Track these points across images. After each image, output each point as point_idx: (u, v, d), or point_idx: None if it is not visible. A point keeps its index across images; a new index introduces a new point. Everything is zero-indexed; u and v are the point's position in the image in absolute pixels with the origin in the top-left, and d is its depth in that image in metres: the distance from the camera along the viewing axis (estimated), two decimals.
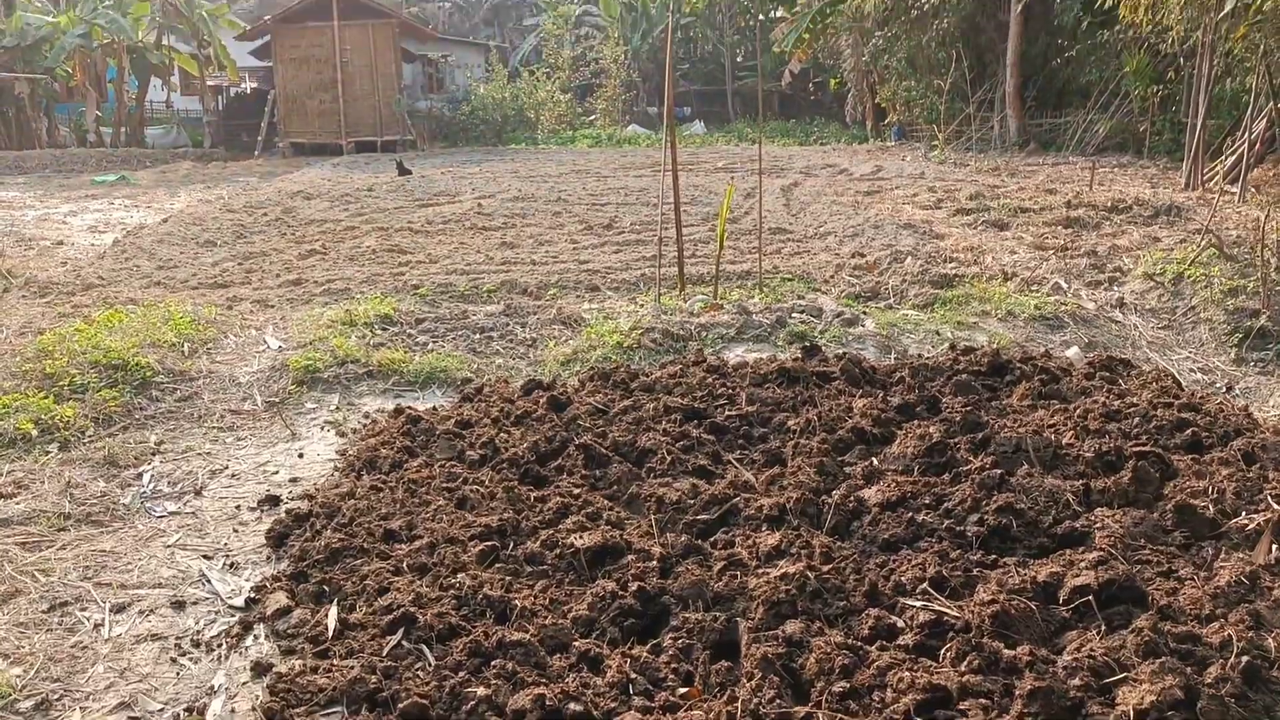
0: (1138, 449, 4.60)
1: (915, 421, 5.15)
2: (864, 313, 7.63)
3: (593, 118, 45.10)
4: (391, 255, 10.70)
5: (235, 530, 4.44)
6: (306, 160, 29.30)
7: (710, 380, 5.83)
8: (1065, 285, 8.43)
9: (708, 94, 54.53)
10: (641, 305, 7.99)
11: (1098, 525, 3.93)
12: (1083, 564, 3.48)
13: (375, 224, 12.91)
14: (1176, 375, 6.35)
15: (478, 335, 7.22)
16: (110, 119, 34.92)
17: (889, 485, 4.29)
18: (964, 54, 29.72)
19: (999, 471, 4.30)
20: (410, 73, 38.27)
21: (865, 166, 20.66)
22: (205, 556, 4.19)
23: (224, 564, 4.12)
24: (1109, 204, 12.89)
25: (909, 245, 10.26)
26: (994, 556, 3.75)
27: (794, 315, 7.43)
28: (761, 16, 53.90)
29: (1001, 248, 10.33)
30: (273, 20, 32.18)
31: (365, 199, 15.62)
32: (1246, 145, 15.50)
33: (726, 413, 5.38)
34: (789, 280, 8.78)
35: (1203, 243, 8.61)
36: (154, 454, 5.29)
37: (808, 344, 6.53)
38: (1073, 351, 6.75)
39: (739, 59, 51.53)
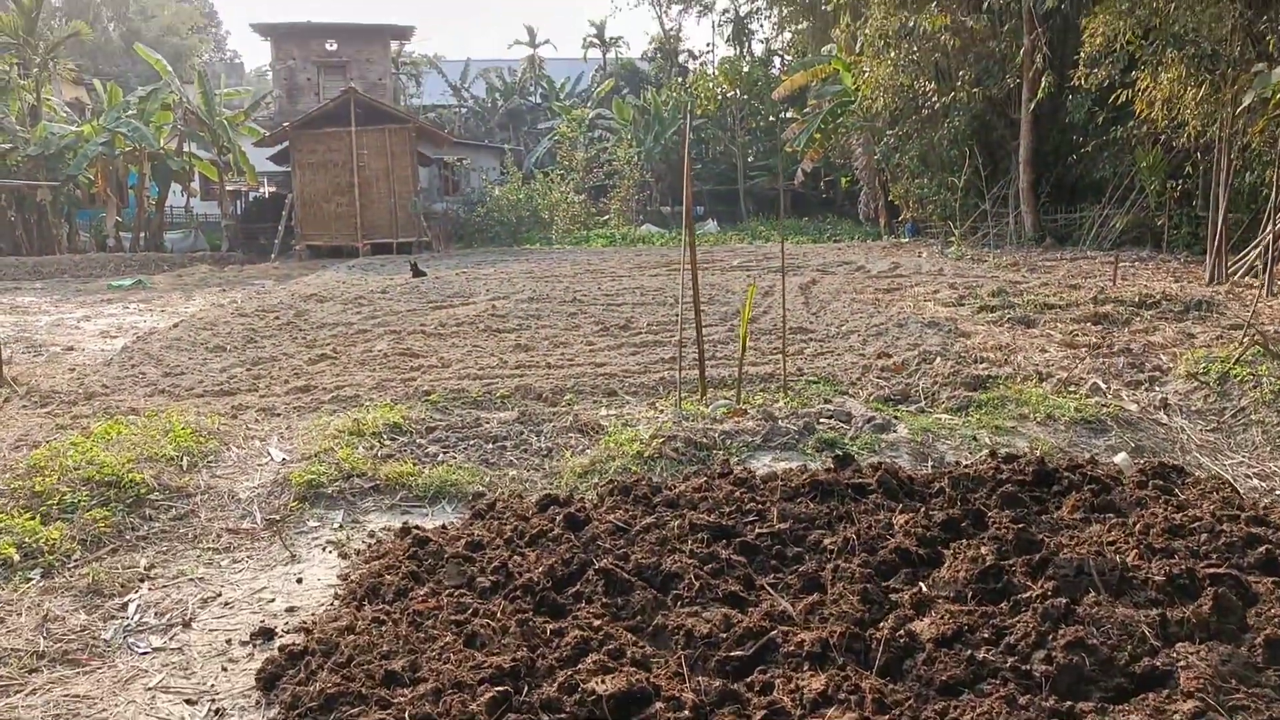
0: (1211, 570, 4.20)
1: (963, 540, 4.75)
2: (895, 417, 7.27)
3: (606, 218, 45.49)
4: (403, 359, 10.44)
5: (224, 669, 4.05)
6: (322, 263, 29.43)
7: (738, 494, 5.46)
8: (1104, 386, 8.08)
9: (720, 194, 55.08)
10: (661, 411, 7.66)
11: (1180, 663, 3.51)
12: (1176, 715, 3.07)
13: (388, 327, 12.70)
14: (1233, 483, 5.95)
15: (491, 445, 6.88)
16: (130, 224, 35.32)
17: (942, 616, 3.89)
18: (976, 151, 29.90)
19: (1063, 600, 3.89)
20: (427, 175, 38.78)
21: (882, 263, 20.51)
22: (189, 701, 3.79)
23: (209, 710, 3.72)
24: (1137, 299, 12.61)
25: (936, 344, 9.95)
26: (1069, 702, 3.32)
27: (822, 421, 7.08)
28: (772, 118, 54.91)
29: (1031, 346, 10.01)
30: (292, 126, 32.71)
31: (379, 301, 15.48)
32: (1271, 238, 15.25)
33: (757, 530, 5.00)
34: (814, 383, 8.45)
35: (1246, 340, 8.28)
36: (142, 580, 4.92)
37: (840, 453, 6.16)
38: (1121, 458, 6.37)
39: (750, 159, 52.17)
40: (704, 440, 6.61)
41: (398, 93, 52.81)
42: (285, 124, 34.54)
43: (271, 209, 38.14)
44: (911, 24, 26.76)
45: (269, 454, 6.85)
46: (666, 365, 9.47)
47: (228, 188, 37.27)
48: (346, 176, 32.30)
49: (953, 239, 25.15)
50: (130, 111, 33.45)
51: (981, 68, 28.15)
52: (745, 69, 51.71)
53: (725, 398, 8.00)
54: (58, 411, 8.35)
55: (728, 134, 55.67)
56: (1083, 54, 20.96)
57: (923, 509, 5.20)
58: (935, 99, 29.20)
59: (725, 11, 62.83)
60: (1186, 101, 17.24)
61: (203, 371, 10.07)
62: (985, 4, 24.05)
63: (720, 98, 51.21)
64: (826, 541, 4.86)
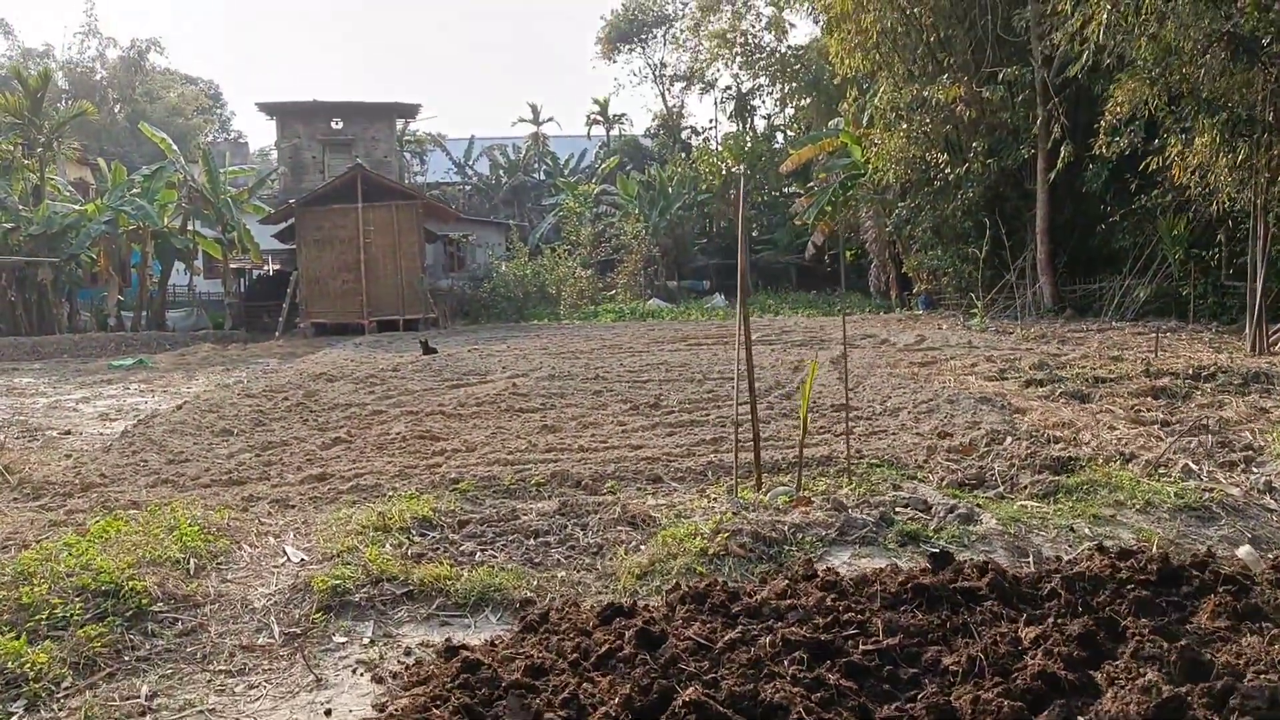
0: None
1: (1110, 660, 4.04)
2: (977, 505, 6.57)
3: (612, 293, 45.14)
4: (424, 443, 9.76)
5: None
6: (328, 341, 28.88)
7: (830, 601, 4.75)
8: (1195, 467, 7.39)
9: (726, 268, 54.85)
10: (715, 500, 6.96)
11: None
12: None
13: (404, 407, 12.04)
14: None
15: (532, 541, 6.18)
16: (132, 303, 34.87)
17: None
18: (995, 222, 29.58)
19: None
20: (432, 252, 38.51)
21: (907, 336, 19.93)
22: None
23: None
24: (1190, 371, 11.97)
25: (995, 422, 9.29)
26: None
27: (898, 510, 6.38)
28: (775, 192, 54.94)
29: (1096, 423, 9.34)
30: (297, 203, 32.44)
31: (392, 380, 14.84)
32: None
33: (863, 647, 4.28)
34: (877, 466, 7.76)
35: None
36: (144, 714, 4.19)
37: (936, 550, 5.45)
38: (1245, 551, 5.66)
39: (754, 233, 52.02)
40: (772, 534, 5.91)
41: (402, 170, 52.86)
42: (291, 201, 34.29)
43: (275, 287, 37.75)
44: (925, 95, 26.57)
45: (286, 553, 6.14)
46: (710, 447, 8.80)
47: (231, 265, 36.90)
48: (352, 253, 31.92)
49: (974, 311, 24.57)
50: (134, 190, 33.23)
51: (995, 139, 27.94)
52: (749, 144, 51.82)
53: (783, 483, 7.31)
54: (51, 505, 7.65)
55: (732, 208, 55.70)
56: (1103, 122, 20.66)
57: (1051, 620, 4.48)
58: (948, 170, 28.96)
59: (728, 89, 63.38)
60: (1219, 168, 16.84)
61: (209, 458, 9.38)
62: (1001, 75, 23.81)
63: (725, 172, 51.24)
64: (946, 661, 4.14)
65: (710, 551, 5.70)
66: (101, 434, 11.62)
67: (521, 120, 67.67)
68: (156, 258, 35.06)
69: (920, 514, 6.35)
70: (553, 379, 14.00)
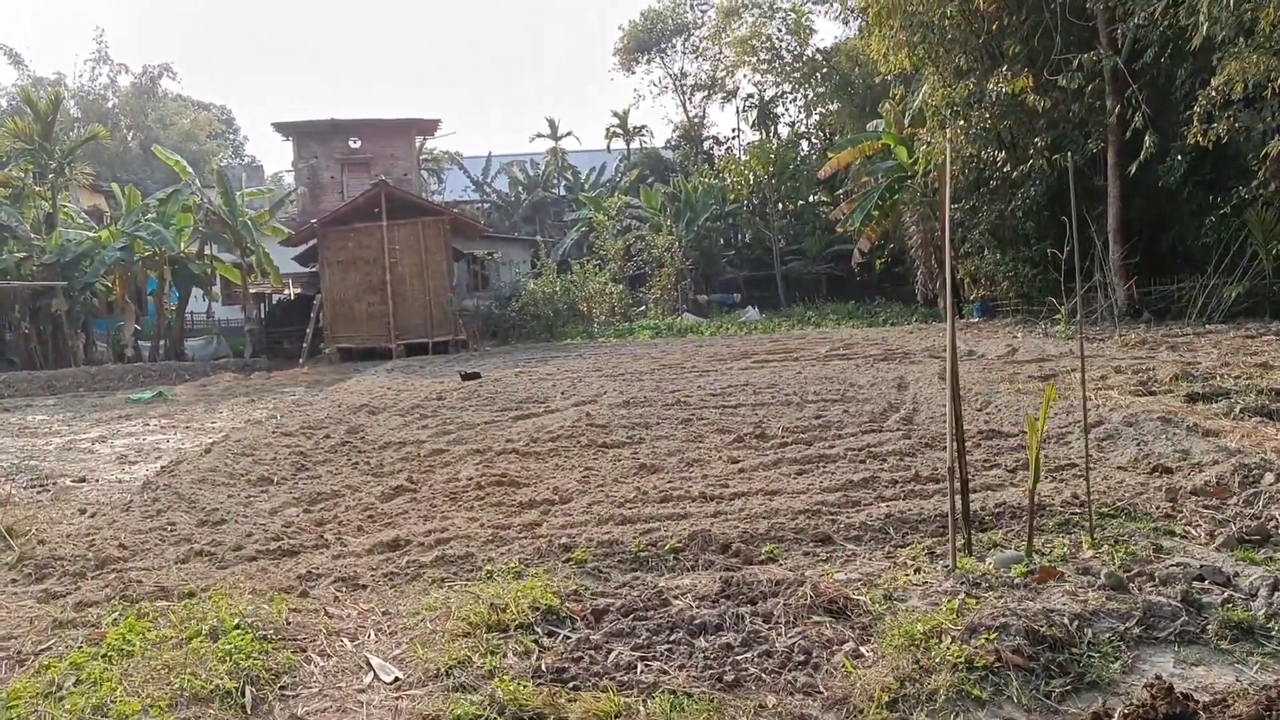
0: None
1: None
2: None
3: (642, 308, 43.53)
4: (503, 490, 8.13)
5: None
6: (355, 366, 27.34)
7: None
8: None
9: (756, 280, 53.24)
10: (922, 570, 5.30)
11: None
12: None
13: (467, 444, 10.41)
14: None
15: (705, 643, 4.52)
16: (149, 332, 33.45)
17: None
18: (1066, 222, 27.85)
19: None
20: (457, 271, 37.00)
21: (994, 347, 18.21)
22: None
23: None
24: None
25: (1205, 450, 7.60)
26: None
27: (1196, 585, 4.70)
28: (801, 201, 53.31)
29: None
30: (319, 223, 30.98)
31: (442, 411, 13.24)
32: None
33: None
34: (1110, 517, 6.07)
35: None
36: None
37: None
38: None
39: (782, 243, 50.40)
40: (1052, 632, 4.24)
41: (421, 189, 51.45)
42: (313, 221, 32.83)
43: (297, 311, 36.31)
44: (985, 89, 24.90)
45: (371, 667, 4.50)
46: (866, 491, 7.13)
47: (251, 291, 35.45)
48: (378, 274, 30.43)
49: (1058, 318, 22.79)
50: (149, 214, 31.86)
51: (1058, 133, 26.25)
52: (775, 152, 50.22)
53: (999, 543, 5.64)
54: (59, 589, 6.03)
55: (759, 220, 54.09)
56: (1198, 107, 18.98)
57: None
58: (1007, 168, 27.27)
59: (749, 96, 62.01)
60: None
61: (249, 517, 7.76)
62: (1077, 62, 22.12)
63: (753, 182, 49.65)
64: None
65: (977, 662, 4.03)
66: (120, 481, 10.04)
67: (539, 136, 66.29)
68: (174, 284, 33.69)
69: (1229, 590, 4.67)
70: (627, 406, 12.35)
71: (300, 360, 30.18)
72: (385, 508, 7.85)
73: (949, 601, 4.65)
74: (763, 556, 5.80)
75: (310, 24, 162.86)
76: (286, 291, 39.98)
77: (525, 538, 6.43)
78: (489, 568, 5.83)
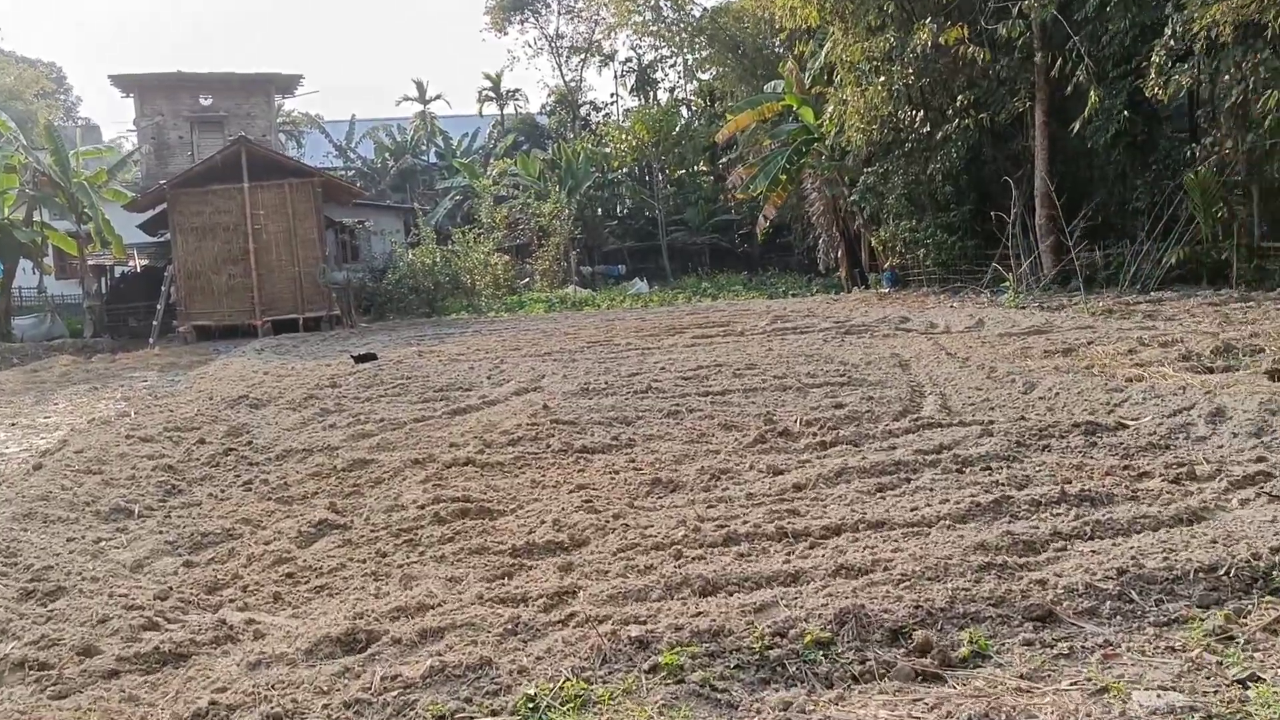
0: None
1: None
2: None
3: (526, 280, 40.94)
4: (475, 524, 5.76)
5: None
6: (215, 347, 24.05)
7: None
8: None
9: (639, 251, 51.24)
10: (1242, 674, 3.24)
11: None
12: None
13: (397, 450, 7.92)
14: None
15: None
16: None
17: None
18: (971, 187, 26.62)
19: None
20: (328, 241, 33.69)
21: (948, 319, 16.52)
22: None
23: None
24: None
25: None
26: None
27: None
28: (681, 171, 51.52)
29: None
30: (169, 185, 27.31)
31: (346, 403, 10.64)
32: None
33: None
34: None
35: None
36: None
37: None
38: None
39: (660, 214, 48.53)
40: None
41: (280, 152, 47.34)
42: (161, 182, 29.05)
43: (144, 286, 32.36)
44: (909, 43, 23.26)
45: None
46: (1008, 518, 5.06)
47: (89, 262, 31.35)
48: (240, 242, 27.01)
49: (1005, 285, 21.34)
50: None
51: (981, 90, 24.89)
52: (658, 118, 48.10)
53: None
54: None
55: (644, 188, 51.98)
56: (1155, 58, 17.68)
57: None
58: (927, 129, 25.81)
59: (627, 61, 59.80)
60: None
61: (101, 580, 5.18)
62: (1018, 9, 20.61)
63: (636, 148, 47.44)
64: None
65: None
66: None
67: (407, 99, 62.51)
68: None
69: None
70: (587, 394, 9.99)
71: (150, 340, 26.54)
72: (309, 557, 5.39)
73: None
74: (964, 650, 3.64)
75: None
76: (132, 264, 35.81)
77: (559, 622, 4.11)
78: (527, 690, 3.50)
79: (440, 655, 3.80)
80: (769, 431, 7.71)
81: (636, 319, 22.34)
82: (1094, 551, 4.44)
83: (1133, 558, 4.25)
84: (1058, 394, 8.53)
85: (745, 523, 5.35)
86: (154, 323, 27.30)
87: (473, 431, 8.37)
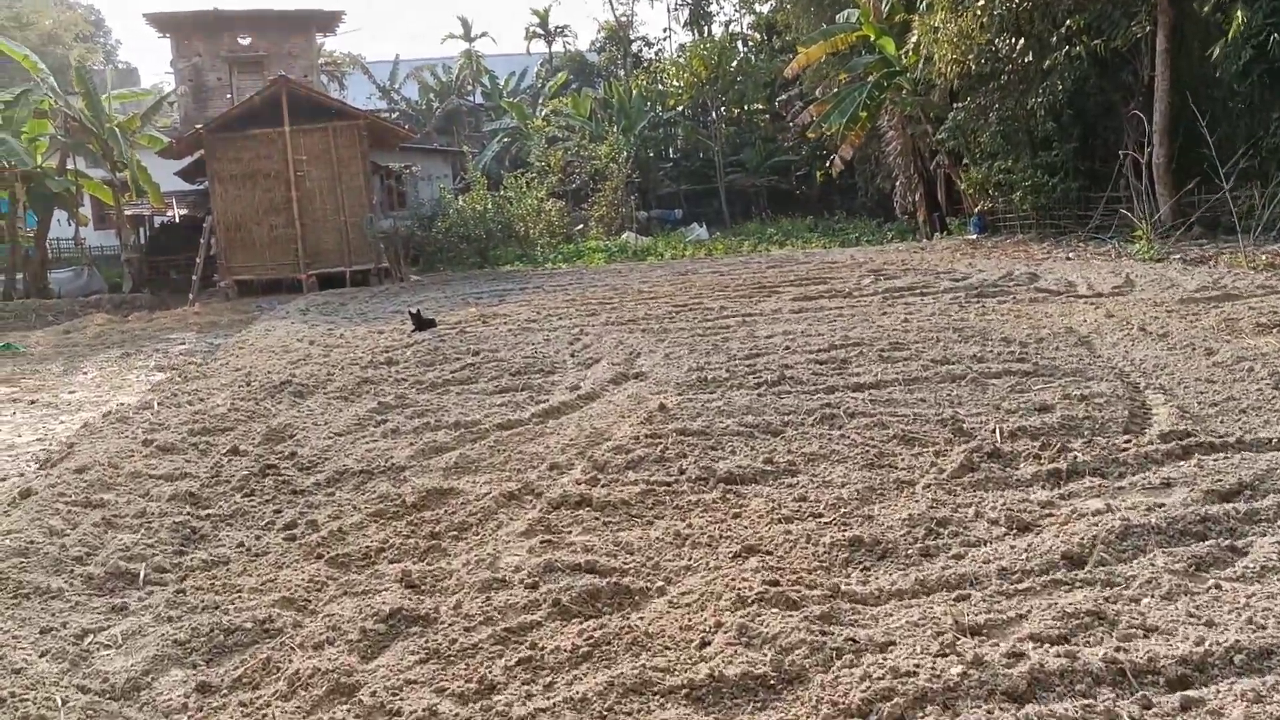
0: None
1: None
2: None
3: (580, 227, 38.98)
4: (614, 625, 3.96)
5: None
6: (258, 304, 22.49)
7: None
8: None
9: (696, 194, 48.96)
10: None
11: None
12: None
13: (480, 473, 6.12)
14: None
15: None
16: (2, 263, 27.86)
17: None
18: (1075, 123, 24.13)
19: None
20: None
21: (1092, 276, 14.40)
22: None
23: None
24: None
25: None
26: None
27: None
28: (737, 110, 48.98)
29: None
30: (207, 130, 25.58)
31: (410, 394, 8.86)
32: None
33: None
34: None
35: None
36: None
37: None
38: None
39: (717, 156, 46.13)
40: None
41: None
42: (199, 126, 27.35)
43: (183, 236, 30.84)
44: None
45: None
46: None
47: (127, 212, 29.87)
48: (282, 190, 25.29)
49: (1138, 235, 19.05)
50: None
51: (1091, 14, 22.34)
52: (718, 52, 45.51)
53: None
54: None
55: (703, 129, 49.54)
56: None
57: None
58: (1027, 59, 23.33)
59: None
60: None
61: (81, 713, 3.46)
62: None
63: (695, 85, 44.97)
64: None
65: None
66: None
67: (451, 36, 60.27)
68: (30, 206, 28.00)
69: None
70: (706, 386, 8.12)
71: (190, 296, 25.02)
72: (378, 685, 3.62)
73: None
74: None
75: None
76: (171, 213, 34.32)
77: None
78: None
79: None
80: (969, 450, 5.82)
81: (712, 272, 20.38)
82: None
83: None
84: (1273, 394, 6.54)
85: (1032, 639, 3.49)
86: (194, 277, 25.74)
87: (575, 445, 6.54)
